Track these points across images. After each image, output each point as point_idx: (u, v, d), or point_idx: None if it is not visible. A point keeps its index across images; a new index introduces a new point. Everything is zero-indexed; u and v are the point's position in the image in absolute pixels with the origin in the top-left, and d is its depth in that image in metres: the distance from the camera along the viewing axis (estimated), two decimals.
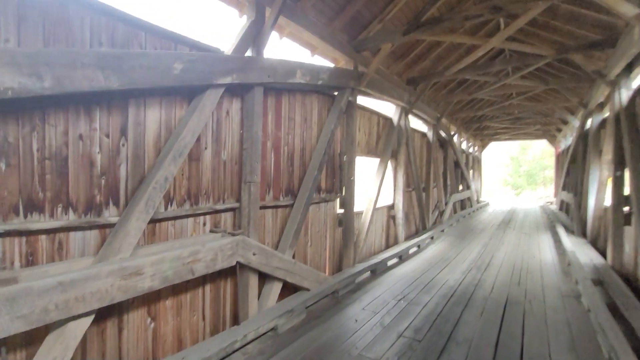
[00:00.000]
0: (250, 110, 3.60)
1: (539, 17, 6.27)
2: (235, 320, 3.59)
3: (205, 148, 3.36)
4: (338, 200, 5.45)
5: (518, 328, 3.40)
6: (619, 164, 5.72)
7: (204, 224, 3.39)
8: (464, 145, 15.79)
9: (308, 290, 4.15)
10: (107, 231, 2.62)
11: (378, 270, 5.29)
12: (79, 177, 2.47)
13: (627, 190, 5.45)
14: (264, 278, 3.82)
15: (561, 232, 8.39)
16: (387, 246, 7.51)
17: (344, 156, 5.44)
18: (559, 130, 15.00)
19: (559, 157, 16.37)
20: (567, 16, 6.08)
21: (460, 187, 14.49)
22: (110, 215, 2.63)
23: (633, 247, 5.03)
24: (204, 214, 3.37)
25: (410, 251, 6.75)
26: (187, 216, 3.21)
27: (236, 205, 3.63)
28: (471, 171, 17.13)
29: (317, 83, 4.43)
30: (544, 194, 29.10)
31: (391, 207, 7.77)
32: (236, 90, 3.57)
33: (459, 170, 13.87)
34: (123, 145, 2.70)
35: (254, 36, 3.55)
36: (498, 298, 4.21)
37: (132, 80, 2.46)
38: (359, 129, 6.18)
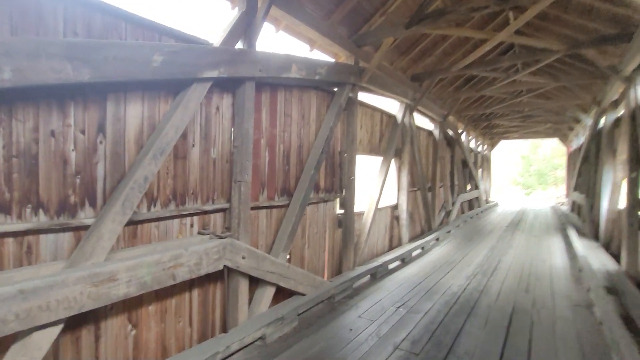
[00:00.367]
0: (241, 106, 3.42)
1: (549, 11, 5.97)
2: (226, 327, 3.42)
3: (193, 145, 3.18)
4: (338, 200, 5.25)
5: (524, 341, 3.16)
6: (634, 165, 5.42)
7: (192, 226, 3.23)
8: (472, 144, 15.44)
9: (303, 295, 3.97)
10: (83, 234, 2.45)
11: (378, 274, 5.08)
12: (51, 176, 2.31)
13: None
14: (256, 282, 3.65)
15: (572, 234, 8.07)
16: (391, 247, 7.29)
17: (344, 155, 5.24)
18: (571, 128, 14.56)
19: (571, 157, 15.93)
20: (580, 9, 5.78)
21: (469, 187, 14.17)
22: (86, 216, 2.47)
23: None
24: (191, 214, 3.20)
25: (414, 253, 6.53)
26: (172, 217, 3.04)
27: (227, 205, 3.46)
28: (480, 170, 16.77)
29: (314, 78, 4.23)
30: (555, 194, 28.49)
31: (395, 208, 7.54)
32: (227, 85, 3.40)
33: (467, 170, 13.55)
34: (101, 142, 2.54)
35: (245, 28, 3.37)
36: (504, 306, 3.97)
37: (105, 72, 2.29)
38: (360, 127, 5.96)
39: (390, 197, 7.49)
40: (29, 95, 2.17)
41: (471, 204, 14.01)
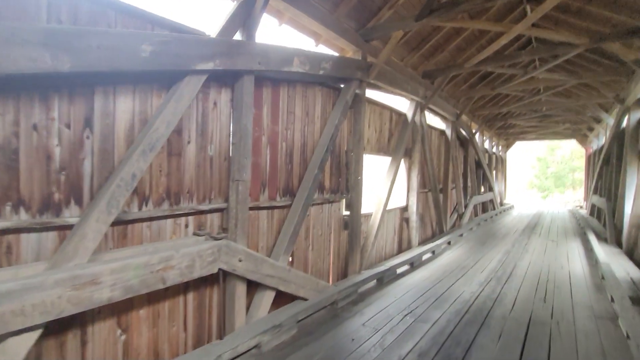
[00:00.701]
0: (240, 101, 3.25)
1: (570, 2, 5.65)
2: (223, 332, 3.26)
3: (189, 142, 3.04)
4: (344, 201, 5.05)
5: (543, 357, 2.89)
6: None
7: (187, 226, 3.07)
8: (486, 145, 15.01)
9: (306, 299, 3.78)
10: (68, 233, 2.32)
11: (385, 279, 4.85)
12: (33, 173, 2.18)
13: None
14: (255, 286, 3.48)
15: (593, 239, 7.66)
16: (400, 251, 7.04)
17: (350, 154, 5.03)
18: (591, 129, 14.00)
19: (590, 158, 15.34)
20: (604, 0, 5.44)
21: (482, 189, 13.76)
22: (71, 215, 2.34)
23: None
24: (186, 214, 3.05)
25: (424, 257, 6.26)
26: (165, 217, 2.90)
27: (224, 205, 3.30)
28: (494, 172, 16.31)
29: (319, 73, 4.04)
30: (572, 198, 27.60)
31: (404, 209, 7.28)
32: (225, 79, 3.24)
33: (481, 171, 13.16)
34: (87, 137, 2.40)
35: (244, 19, 3.20)
36: (520, 317, 3.69)
37: (88, 62, 2.15)
38: (368, 125, 5.74)
39: (399, 198, 7.24)
40: (8, 86, 2.04)
41: (485, 206, 13.59)
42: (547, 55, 6.72)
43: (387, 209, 6.15)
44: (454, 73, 7.39)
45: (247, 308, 3.41)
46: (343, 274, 5.02)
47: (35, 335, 2.01)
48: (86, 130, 2.39)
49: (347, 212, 5.02)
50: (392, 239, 6.87)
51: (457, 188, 10.30)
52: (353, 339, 3.11)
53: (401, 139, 6.48)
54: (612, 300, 4.12)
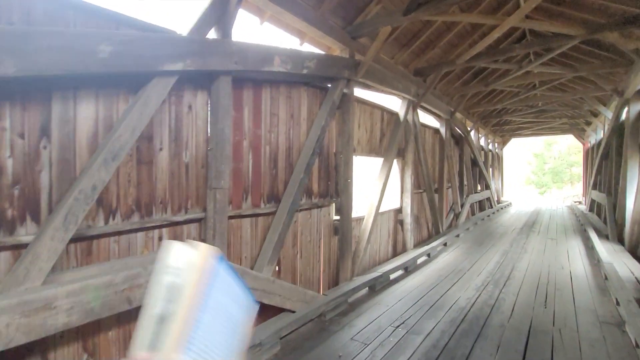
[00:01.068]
0: (216, 103, 3.06)
1: None
2: None
3: (161, 149, 2.84)
4: (333, 205, 4.85)
5: None
6: None
7: (160, 239, 2.87)
8: (482, 142, 14.85)
9: (293, 312, 3.58)
10: (23, 253, 2.13)
11: (378, 286, 4.64)
12: None
13: None
14: None
15: (593, 237, 7.48)
16: (395, 254, 6.84)
17: (339, 156, 4.83)
18: (588, 123, 13.83)
19: (588, 153, 15.19)
20: None
21: (479, 187, 13.58)
22: (27, 233, 2.14)
23: None
24: (159, 226, 2.85)
25: (419, 261, 6.07)
26: (135, 230, 2.69)
27: (202, 215, 3.10)
28: (491, 169, 16.14)
29: (302, 72, 3.84)
30: (571, 193, 27.47)
31: (399, 211, 7.09)
32: (200, 81, 3.05)
33: (477, 169, 12.98)
34: (45, 147, 2.20)
35: (218, 15, 3.00)
36: (519, 325, 3.49)
37: (37, 65, 1.95)
38: (358, 126, 5.55)
39: (393, 200, 7.04)
40: None
41: (482, 204, 13.42)
42: (542, 49, 6.54)
43: (381, 211, 5.95)
44: (447, 70, 7.21)
45: None
46: (334, 282, 4.81)
47: None
48: (43, 139, 2.19)
49: (337, 217, 4.82)
50: (386, 242, 6.67)
51: (452, 187, 10.12)
52: (340, 356, 2.91)
53: (393, 139, 6.28)
54: (617, 303, 3.94)
